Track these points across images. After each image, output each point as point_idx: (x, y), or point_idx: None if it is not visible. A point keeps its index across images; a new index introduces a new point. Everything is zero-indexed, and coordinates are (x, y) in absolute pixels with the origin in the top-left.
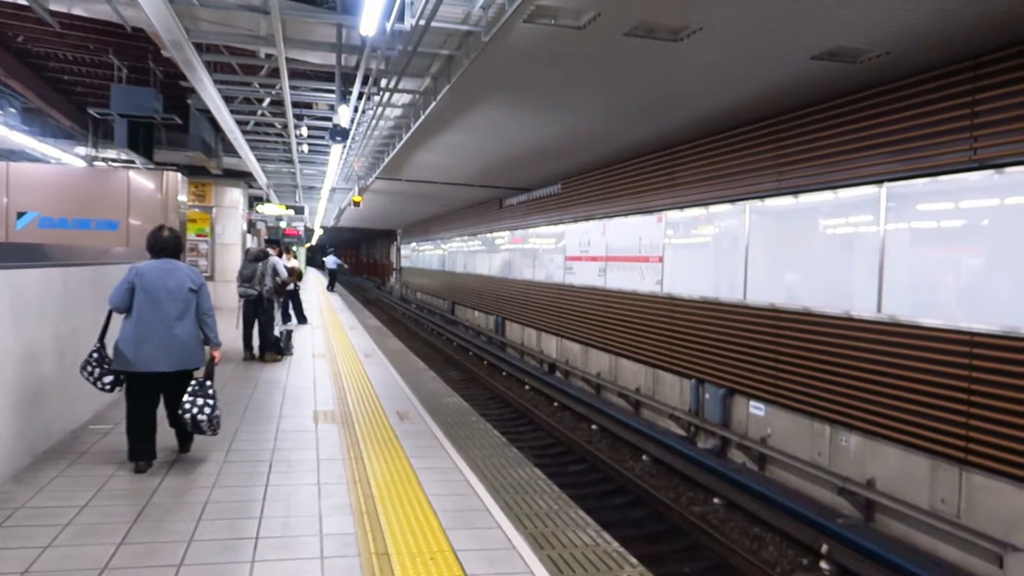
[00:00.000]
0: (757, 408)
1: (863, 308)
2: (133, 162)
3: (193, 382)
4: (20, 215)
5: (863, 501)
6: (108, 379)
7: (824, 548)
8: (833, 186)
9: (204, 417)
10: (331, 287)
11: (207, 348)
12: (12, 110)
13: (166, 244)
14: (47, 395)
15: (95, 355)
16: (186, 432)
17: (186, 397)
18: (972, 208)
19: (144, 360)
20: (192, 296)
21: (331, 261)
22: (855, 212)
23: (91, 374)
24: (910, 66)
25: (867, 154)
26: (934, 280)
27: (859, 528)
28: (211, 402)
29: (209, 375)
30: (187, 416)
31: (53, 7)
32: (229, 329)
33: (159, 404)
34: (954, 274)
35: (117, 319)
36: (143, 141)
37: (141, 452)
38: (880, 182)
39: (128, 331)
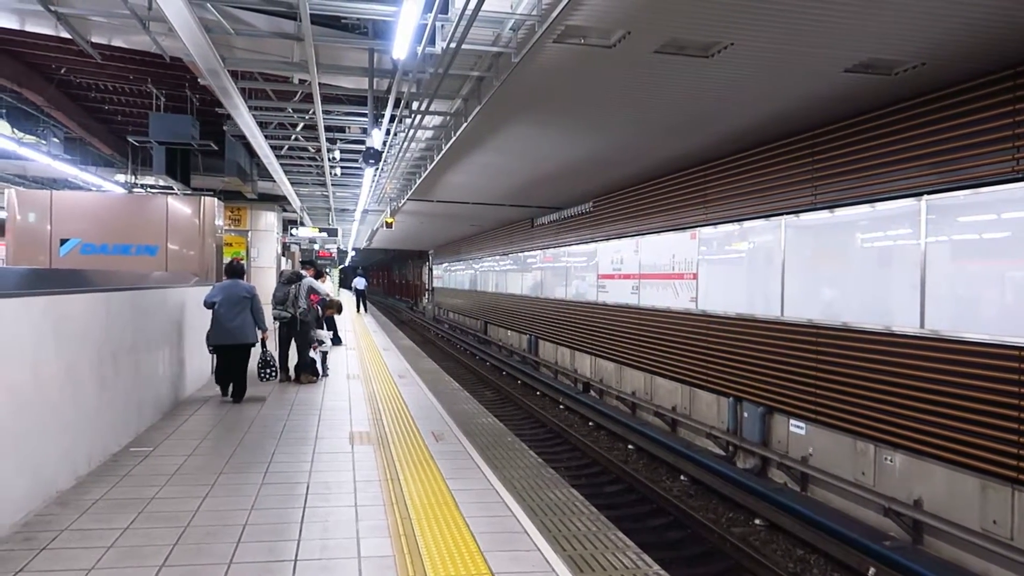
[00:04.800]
0: (797, 427)
1: (905, 323)
2: (171, 188)
3: (260, 359)
4: (63, 241)
5: (910, 522)
6: (209, 349)
7: (871, 572)
8: (871, 199)
9: (273, 378)
10: (363, 308)
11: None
12: (55, 140)
13: (235, 269)
14: (89, 418)
15: (209, 335)
16: (244, 390)
17: (258, 367)
18: (1017, 219)
19: (221, 337)
20: (247, 301)
21: (360, 282)
22: (894, 226)
23: (207, 346)
24: (947, 77)
25: (905, 167)
26: (979, 294)
27: (907, 550)
28: (275, 368)
29: (263, 345)
30: (264, 379)
31: (94, 39)
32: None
33: (235, 366)
34: (999, 287)
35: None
36: (180, 167)
37: (224, 389)
38: (919, 195)
39: (214, 321)
